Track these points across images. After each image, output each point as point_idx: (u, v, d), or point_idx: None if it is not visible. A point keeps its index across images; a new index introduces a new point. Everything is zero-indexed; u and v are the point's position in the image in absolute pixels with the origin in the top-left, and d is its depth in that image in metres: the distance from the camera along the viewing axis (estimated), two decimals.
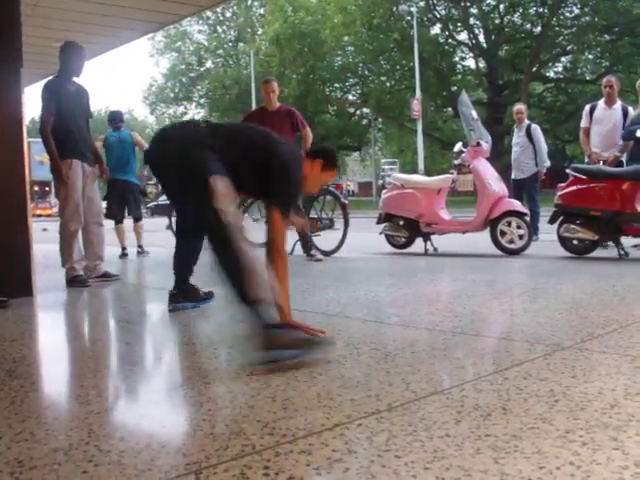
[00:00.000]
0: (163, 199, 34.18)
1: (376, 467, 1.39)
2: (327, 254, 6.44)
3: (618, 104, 6.70)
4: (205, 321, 3.42)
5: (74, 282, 4.84)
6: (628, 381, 1.93)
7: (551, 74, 30.24)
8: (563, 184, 5.74)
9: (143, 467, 1.45)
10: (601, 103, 6.78)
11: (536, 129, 7.72)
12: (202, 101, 40.87)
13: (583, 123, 6.88)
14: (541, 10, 26.49)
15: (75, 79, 5.01)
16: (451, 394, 1.88)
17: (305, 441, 1.56)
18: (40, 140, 4.75)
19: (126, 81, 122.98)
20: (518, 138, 7.81)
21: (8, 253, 4.36)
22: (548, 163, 7.57)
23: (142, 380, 2.31)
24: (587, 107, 6.92)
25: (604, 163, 6.50)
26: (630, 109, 6.74)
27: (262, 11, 38.38)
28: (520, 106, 8.04)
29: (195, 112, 42.04)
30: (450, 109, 29.02)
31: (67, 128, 4.80)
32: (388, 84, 31.40)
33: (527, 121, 7.86)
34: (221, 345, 2.79)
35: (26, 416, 1.85)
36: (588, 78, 28.92)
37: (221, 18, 40.78)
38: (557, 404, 1.74)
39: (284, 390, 1.98)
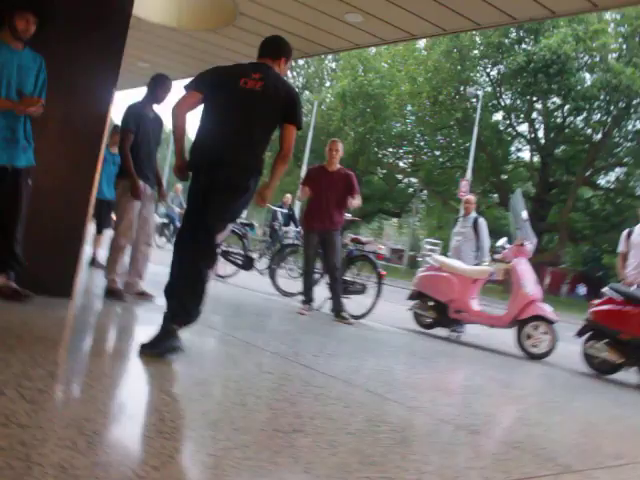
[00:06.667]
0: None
1: None
2: (354, 318, 6.55)
3: None
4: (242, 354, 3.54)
5: (113, 294, 5.04)
6: None
7: (602, 182, 30.31)
8: (597, 300, 5.80)
9: None
10: (637, 228, 6.85)
11: (482, 223, 7.73)
12: None
13: (620, 248, 6.91)
14: (604, 119, 26.77)
15: (155, 106, 5.36)
16: None
17: None
18: None
19: None
20: (463, 228, 7.83)
21: (65, 252, 4.54)
22: (488, 259, 7.48)
23: (167, 411, 2.43)
24: (624, 232, 6.97)
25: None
26: None
27: (333, 65, 39.50)
28: (470, 196, 8.18)
29: None
30: (496, 196, 29.16)
31: (138, 150, 5.09)
32: (441, 159, 31.83)
33: (474, 213, 7.90)
34: (248, 388, 2.90)
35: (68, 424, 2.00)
36: (639, 194, 28.89)
37: (293, 64, 42.04)
38: None
39: (307, 453, 2.10)
